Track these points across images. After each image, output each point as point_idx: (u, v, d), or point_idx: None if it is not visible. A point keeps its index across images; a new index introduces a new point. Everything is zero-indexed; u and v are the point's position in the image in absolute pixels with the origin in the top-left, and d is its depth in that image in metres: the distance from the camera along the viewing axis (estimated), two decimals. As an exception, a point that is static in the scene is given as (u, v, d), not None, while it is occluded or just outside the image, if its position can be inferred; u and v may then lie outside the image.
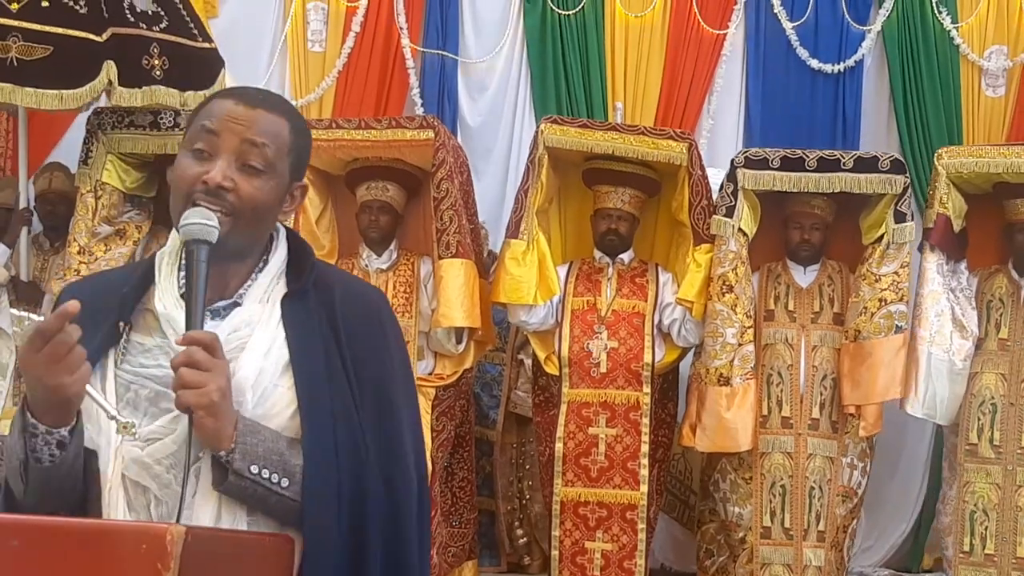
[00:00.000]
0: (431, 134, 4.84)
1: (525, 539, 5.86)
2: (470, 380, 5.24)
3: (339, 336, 1.71)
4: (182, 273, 1.69)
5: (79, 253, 4.94)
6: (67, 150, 6.14)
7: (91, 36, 4.55)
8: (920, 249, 4.95)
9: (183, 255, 1.68)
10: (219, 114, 1.68)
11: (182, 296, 1.68)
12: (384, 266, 5.04)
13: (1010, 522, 4.73)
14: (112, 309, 1.71)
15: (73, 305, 1.52)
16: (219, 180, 1.64)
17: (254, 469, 1.59)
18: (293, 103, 6.48)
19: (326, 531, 1.61)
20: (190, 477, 1.59)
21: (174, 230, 1.70)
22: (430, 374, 4.93)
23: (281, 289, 1.74)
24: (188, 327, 1.60)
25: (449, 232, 4.81)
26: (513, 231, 4.91)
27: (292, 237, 1.81)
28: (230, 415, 1.59)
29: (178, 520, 1.54)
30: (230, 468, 1.58)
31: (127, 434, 1.59)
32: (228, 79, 5.33)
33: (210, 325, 1.66)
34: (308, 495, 1.61)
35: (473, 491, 5.34)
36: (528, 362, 5.69)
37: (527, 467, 5.87)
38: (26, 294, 5.25)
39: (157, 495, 1.63)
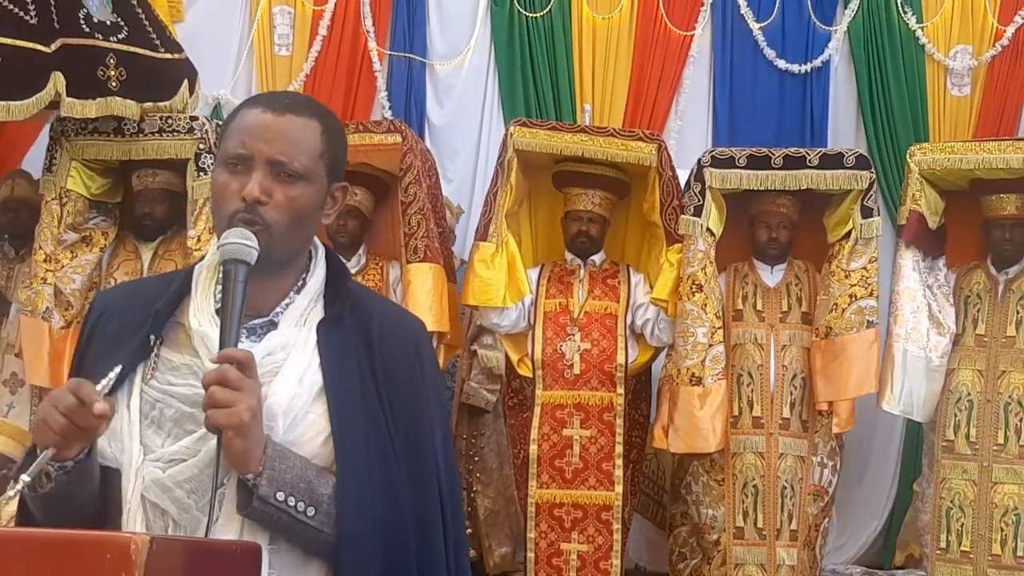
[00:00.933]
0: (398, 138, 4.83)
1: (469, 530, 5.80)
2: None
3: (375, 368, 1.68)
4: (219, 288, 1.65)
5: (45, 261, 4.87)
6: (36, 160, 6.09)
7: (39, 47, 4.47)
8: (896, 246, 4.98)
9: (221, 273, 1.64)
10: (249, 125, 1.66)
11: (217, 313, 1.64)
12: (353, 271, 5.01)
13: (986, 519, 4.74)
14: (144, 322, 1.68)
15: (103, 410, 1.50)
16: (256, 194, 1.62)
17: (280, 496, 1.56)
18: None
19: (362, 562, 1.58)
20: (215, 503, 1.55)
21: (213, 244, 1.67)
22: None
23: (319, 312, 1.71)
24: (222, 347, 1.57)
25: (417, 236, 4.80)
26: (482, 234, 4.90)
27: (331, 258, 1.78)
28: (260, 437, 1.56)
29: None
30: (256, 493, 1.55)
31: None
32: (201, 89, 5.30)
33: (245, 344, 1.62)
34: (342, 524, 1.58)
35: None
36: (481, 352, 5.68)
37: (476, 459, 5.81)
38: None
39: (176, 519, 1.60)
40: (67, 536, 1.39)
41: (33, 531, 1.48)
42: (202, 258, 1.70)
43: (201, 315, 1.66)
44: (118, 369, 1.58)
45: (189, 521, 1.59)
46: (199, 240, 4.69)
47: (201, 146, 4.76)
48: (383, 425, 1.65)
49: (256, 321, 1.67)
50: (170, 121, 4.82)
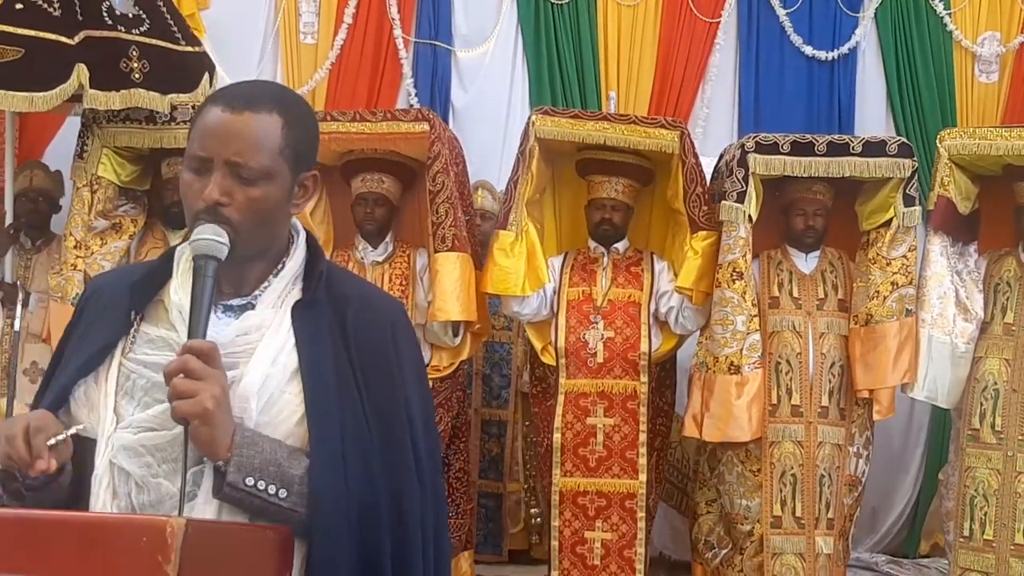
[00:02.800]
0: (426, 127, 4.82)
1: (540, 519, 5.82)
2: (466, 372, 5.19)
3: (349, 349, 1.71)
4: None
5: (75, 247, 4.92)
6: (55, 153, 6.14)
7: (62, 39, 4.51)
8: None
9: (192, 268, 1.67)
10: (208, 126, 1.67)
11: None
12: (380, 258, 5.03)
13: (1009, 508, 4.72)
14: (128, 300, 1.73)
15: (42, 468, 1.54)
16: (215, 197, 1.65)
17: (249, 481, 1.59)
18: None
19: (335, 538, 1.61)
20: (190, 476, 1.59)
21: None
22: (426, 366, 4.92)
23: (296, 295, 1.74)
24: (189, 339, 1.60)
25: (445, 225, 4.80)
26: (502, 222, 4.90)
27: (311, 241, 1.81)
28: (227, 424, 1.58)
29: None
30: (225, 480, 1.58)
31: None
32: (221, 82, 5.31)
33: (223, 322, 1.67)
34: (315, 502, 1.60)
35: (471, 482, 5.33)
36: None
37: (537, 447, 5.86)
38: (11, 295, 5.21)
39: (139, 482, 1.64)
40: (104, 519, 1.42)
41: (70, 514, 1.51)
42: (186, 239, 1.73)
43: (181, 292, 1.70)
44: (76, 428, 1.63)
45: (155, 487, 1.63)
46: None
47: None
48: (357, 405, 1.68)
49: (235, 301, 1.72)
50: (180, 111, 4.86)
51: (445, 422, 4.95)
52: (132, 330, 1.72)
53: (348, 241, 5.13)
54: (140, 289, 1.74)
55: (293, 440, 1.65)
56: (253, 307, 1.72)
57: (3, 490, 1.60)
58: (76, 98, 4.69)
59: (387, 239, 5.06)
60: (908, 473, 6.20)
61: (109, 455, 1.65)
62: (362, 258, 5.03)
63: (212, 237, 1.63)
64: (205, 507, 1.60)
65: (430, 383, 4.83)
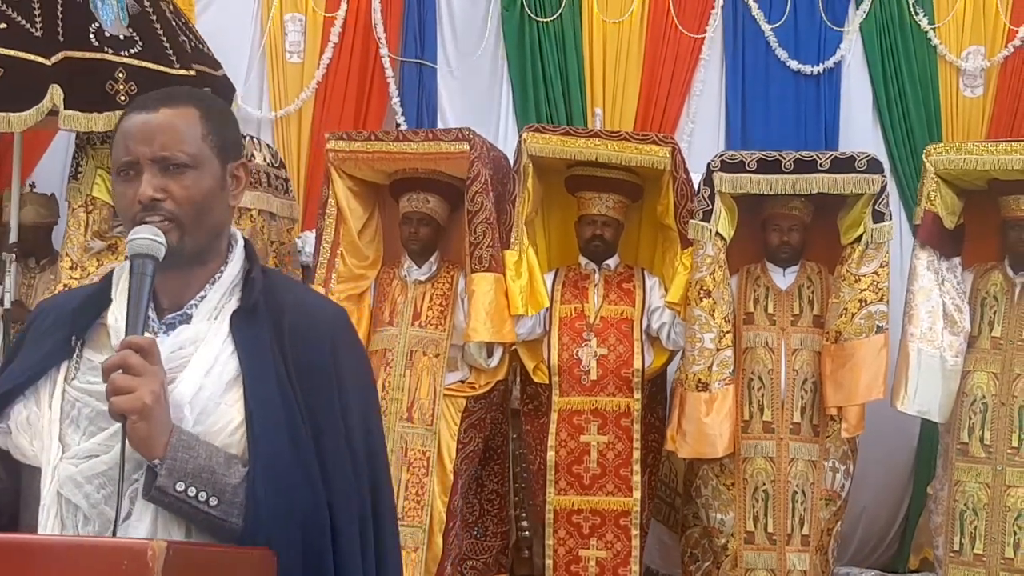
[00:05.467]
0: (466, 146, 4.84)
1: (528, 532, 5.76)
2: (504, 393, 5.16)
3: (287, 356, 1.70)
4: None
5: (71, 268, 4.91)
6: (44, 170, 6.13)
7: (39, 59, 4.52)
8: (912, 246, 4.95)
9: (128, 268, 1.67)
10: (129, 130, 1.70)
11: None
12: (423, 277, 5.02)
13: (999, 522, 4.72)
14: (68, 323, 1.73)
15: None
16: (150, 194, 1.66)
17: (179, 487, 1.57)
18: (271, 115, 6.56)
19: (277, 547, 1.59)
20: (126, 498, 1.58)
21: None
22: (462, 382, 4.91)
23: (234, 304, 1.74)
24: (127, 335, 1.60)
25: (482, 246, 4.80)
26: (504, 242, 4.90)
27: (249, 249, 1.81)
28: (164, 422, 1.58)
29: (113, 535, 1.54)
30: (154, 483, 1.56)
31: None
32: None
33: (159, 338, 1.66)
34: (256, 510, 1.58)
35: (504, 505, 5.25)
36: None
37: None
38: (15, 314, 5.21)
39: (87, 514, 1.62)
40: (85, 542, 1.40)
41: (51, 538, 1.49)
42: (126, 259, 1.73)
43: (119, 312, 1.69)
44: None
45: (99, 516, 1.61)
46: None
47: None
48: (295, 412, 1.67)
49: (172, 315, 1.72)
50: None
51: (476, 443, 4.93)
52: (75, 355, 1.71)
53: (397, 259, 5.13)
54: (81, 313, 1.74)
55: (232, 450, 1.64)
56: (189, 318, 1.71)
57: None
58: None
59: (432, 258, 5.06)
60: (897, 488, 6.19)
61: (56, 486, 1.64)
62: (406, 276, 5.03)
63: (149, 236, 1.64)
64: (138, 523, 1.58)
65: (464, 402, 4.82)
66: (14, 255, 5.22)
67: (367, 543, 1.71)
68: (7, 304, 5.20)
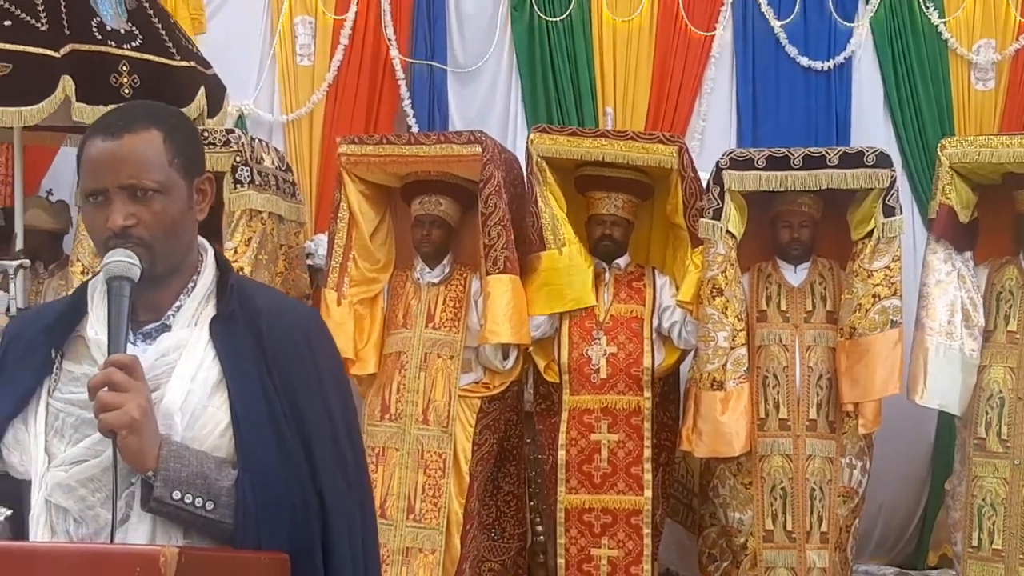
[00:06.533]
0: (478, 149, 4.84)
1: (544, 536, 5.76)
2: (518, 394, 5.16)
3: (266, 358, 1.74)
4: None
5: (83, 273, 4.92)
6: (53, 182, 6.16)
7: (48, 52, 4.55)
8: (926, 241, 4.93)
9: (106, 291, 1.70)
10: (94, 158, 1.71)
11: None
12: (436, 280, 5.03)
13: (1017, 517, 4.69)
14: (46, 339, 1.76)
15: None
16: (120, 223, 1.69)
17: (176, 495, 1.61)
18: (283, 118, 6.59)
19: (268, 546, 1.62)
20: (123, 501, 1.62)
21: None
22: (476, 383, 4.92)
23: (211, 311, 1.77)
24: (110, 354, 1.64)
25: (497, 248, 4.80)
26: (538, 244, 4.92)
27: (220, 258, 1.85)
28: (153, 435, 1.61)
29: (111, 542, 1.57)
30: (152, 494, 1.60)
31: None
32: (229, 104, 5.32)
33: (140, 348, 1.70)
34: (246, 510, 1.62)
35: (521, 506, 5.25)
36: None
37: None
38: None
39: (77, 517, 1.66)
40: (97, 550, 1.41)
41: (64, 546, 1.51)
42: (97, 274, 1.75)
43: (98, 325, 1.73)
44: (4, 514, 1.69)
45: (93, 519, 1.65)
46: (236, 252, 4.71)
47: (237, 159, 4.79)
48: (278, 412, 1.70)
49: (150, 326, 1.75)
50: (206, 134, 4.83)
51: (491, 443, 4.94)
52: (55, 368, 1.75)
53: (409, 261, 5.14)
54: (56, 328, 1.77)
55: (219, 452, 1.68)
56: (168, 327, 1.75)
57: None
58: (71, 129, 4.70)
59: (444, 261, 5.06)
60: (915, 484, 6.16)
61: (44, 494, 1.67)
62: (418, 279, 5.03)
63: (124, 259, 1.68)
64: (138, 525, 1.63)
65: (479, 403, 4.82)
66: (23, 262, 5.25)
67: (354, 537, 1.75)
68: (13, 311, 5.22)
